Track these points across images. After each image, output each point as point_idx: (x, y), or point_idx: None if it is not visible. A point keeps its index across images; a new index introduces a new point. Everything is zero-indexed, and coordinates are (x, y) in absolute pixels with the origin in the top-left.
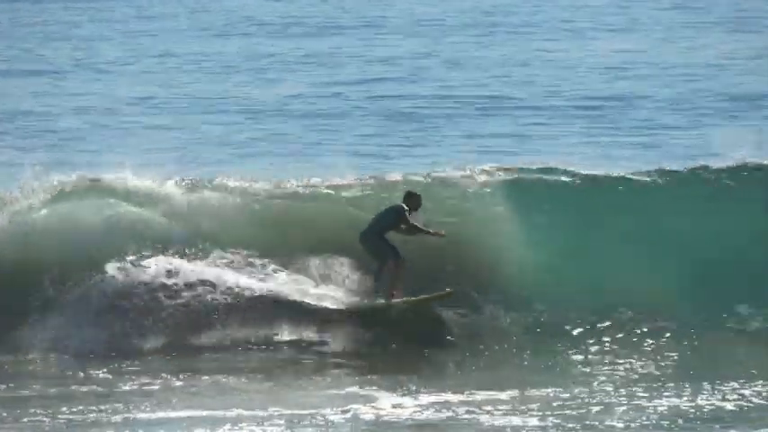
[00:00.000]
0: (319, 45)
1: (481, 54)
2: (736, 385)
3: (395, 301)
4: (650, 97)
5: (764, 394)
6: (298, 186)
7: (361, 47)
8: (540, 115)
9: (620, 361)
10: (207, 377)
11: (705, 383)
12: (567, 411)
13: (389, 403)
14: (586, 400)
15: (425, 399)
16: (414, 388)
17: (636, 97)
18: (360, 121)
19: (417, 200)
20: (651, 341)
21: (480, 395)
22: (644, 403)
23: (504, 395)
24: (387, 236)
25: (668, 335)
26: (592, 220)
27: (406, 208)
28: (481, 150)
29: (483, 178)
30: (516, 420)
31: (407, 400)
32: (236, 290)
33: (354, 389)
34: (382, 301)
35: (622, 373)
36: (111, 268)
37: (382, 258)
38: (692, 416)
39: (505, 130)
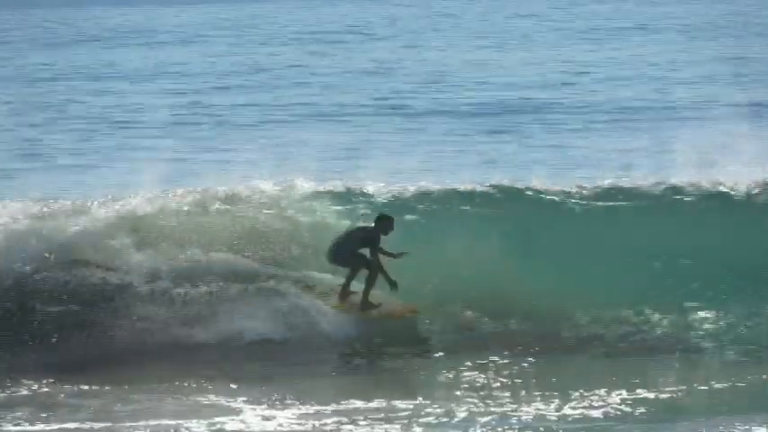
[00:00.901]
0: (159, 55)
1: (326, 63)
2: (602, 393)
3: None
4: (507, 107)
5: (629, 402)
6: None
7: (210, 57)
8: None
9: (487, 370)
10: (68, 387)
11: (571, 392)
12: (431, 420)
13: (256, 415)
14: (451, 410)
15: (292, 410)
16: (280, 399)
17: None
18: (190, 131)
19: (390, 224)
20: (516, 351)
21: (347, 406)
22: (509, 411)
23: (370, 405)
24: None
25: (533, 344)
26: (431, 228)
27: (379, 232)
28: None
29: (303, 190)
30: (380, 430)
31: (274, 412)
32: (94, 299)
33: (220, 400)
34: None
35: (487, 382)
36: None
37: (356, 267)
38: (557, 424)
39: (336, 141)
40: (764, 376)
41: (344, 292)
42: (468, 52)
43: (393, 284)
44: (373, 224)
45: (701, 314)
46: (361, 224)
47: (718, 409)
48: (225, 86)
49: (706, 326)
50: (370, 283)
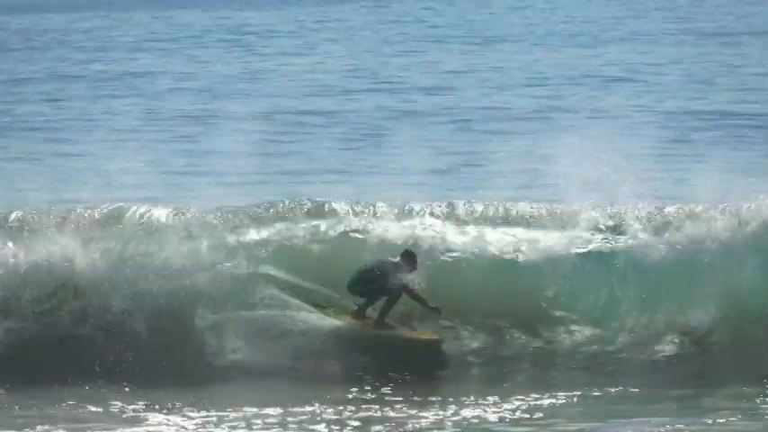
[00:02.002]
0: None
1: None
2: (497, 399)
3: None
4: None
5: (523, 408)
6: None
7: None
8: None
9: (381, 378)
10: None
11: (466, 399)
12: (323, 427)
13: (157, 421)
14: (346, 417)
15: (194, 416)
16: (180, 405)
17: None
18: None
19: (415, 260)
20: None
21: (250, 411)
22: (406, 418)
23: (269, 410)
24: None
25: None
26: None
27: (406, 266)
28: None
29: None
30: None
31: (175, 419)
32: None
33: (117, 406)
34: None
35: (382, 389)
36: None
37: (374, 299)
38: (453, 429)
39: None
40: (656, 380)
41: (360, 315)
42: (341, 59)
43: (435, 311)
44: (398, 258)
45: (602, 324)
46: (386, 258)
47: (613, 414)
48: (100, 96)
49: (606, 334)
50: (388, 306)
